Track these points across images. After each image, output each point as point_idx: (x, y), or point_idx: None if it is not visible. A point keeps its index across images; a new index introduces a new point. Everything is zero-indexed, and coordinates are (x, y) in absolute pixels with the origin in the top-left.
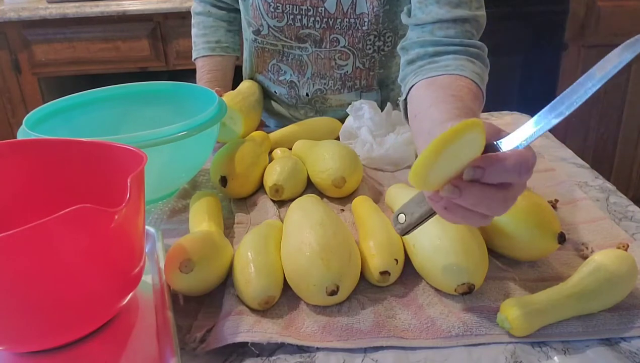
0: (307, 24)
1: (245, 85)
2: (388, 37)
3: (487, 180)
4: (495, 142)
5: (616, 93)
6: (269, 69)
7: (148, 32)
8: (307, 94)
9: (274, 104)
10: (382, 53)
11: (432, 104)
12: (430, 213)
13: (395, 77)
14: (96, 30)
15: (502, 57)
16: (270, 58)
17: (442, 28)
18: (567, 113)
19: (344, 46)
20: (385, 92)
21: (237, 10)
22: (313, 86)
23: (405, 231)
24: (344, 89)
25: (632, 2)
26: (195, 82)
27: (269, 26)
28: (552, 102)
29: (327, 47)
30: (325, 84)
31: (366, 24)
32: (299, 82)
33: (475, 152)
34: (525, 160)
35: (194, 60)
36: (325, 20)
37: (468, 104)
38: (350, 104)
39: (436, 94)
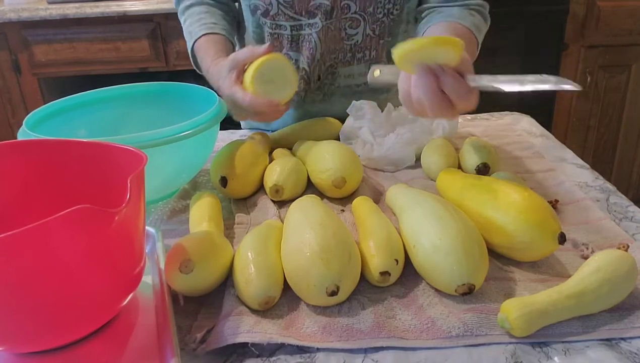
0: None
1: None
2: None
3: (444, 79)
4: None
5: (616, 93)
6: None
7: (148, 32)
8: (319, 77)
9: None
10: (392, 17)
11: (443, 31)
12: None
13: None
14: (96, 31)
15: (502, 57)
16: (280, 48)
17: None
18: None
19: (355, 12)
20: (391, 63)
21: (229, 5)
22: (324, 65)
23: (372, 84)
24: (353, 60)
25: (632, 2)
26: (194, 83)
27: (278, 3)
28: (512, 76)
29: (338, 15)
30: (335, 58)
31: None
32: (309, 67)
33: (448, 62)
34: (472, 96)
35: (192, 48)
36: None
37: (467, 47)
38: (360, 75)
39: (442, 28)
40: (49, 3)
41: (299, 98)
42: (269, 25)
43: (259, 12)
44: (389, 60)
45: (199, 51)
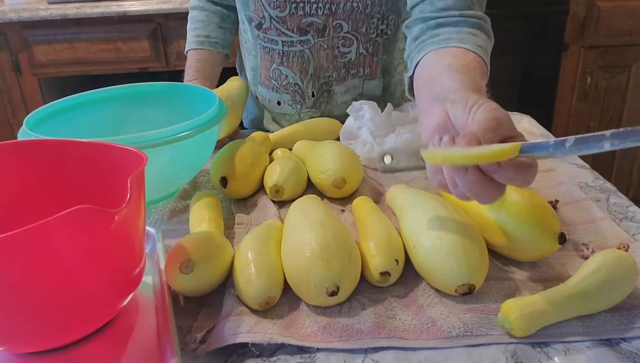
0: (310, 12)
1: (233, 83)
2: (391, 20)
3: (497, 177)
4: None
5: (616, 93)
6: (271, 75)
7: (148, 32)
8: (313, 94)
9: (277, 116)
10: (386, 37)
11: (443, 70)
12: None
13: (397, 64)
14: (96, 31)
15: (502, 57)
16: (270, 62)
17: None
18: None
19: (348, 32)
20: (387, 78)
21: (232, 8)
22: (318, 81)
23: (386, 171)
24: (348, 76)
25: (632, 2)
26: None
27: (270, 17)
28: (578, 136)
29: (331, 34)
30: (329, 76)
31: (369, 6)
32: (302, 82)
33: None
34: (534, 173)
35: (185, 53)
36: (327, 6)
37: (477, 78)
38: (354, 88)
39: (447, 61)
40: (49, 3)
41: (294, 112)
42: (261, 37)
43: (253, 23)
44: (384, 75)
45: (187, 60)
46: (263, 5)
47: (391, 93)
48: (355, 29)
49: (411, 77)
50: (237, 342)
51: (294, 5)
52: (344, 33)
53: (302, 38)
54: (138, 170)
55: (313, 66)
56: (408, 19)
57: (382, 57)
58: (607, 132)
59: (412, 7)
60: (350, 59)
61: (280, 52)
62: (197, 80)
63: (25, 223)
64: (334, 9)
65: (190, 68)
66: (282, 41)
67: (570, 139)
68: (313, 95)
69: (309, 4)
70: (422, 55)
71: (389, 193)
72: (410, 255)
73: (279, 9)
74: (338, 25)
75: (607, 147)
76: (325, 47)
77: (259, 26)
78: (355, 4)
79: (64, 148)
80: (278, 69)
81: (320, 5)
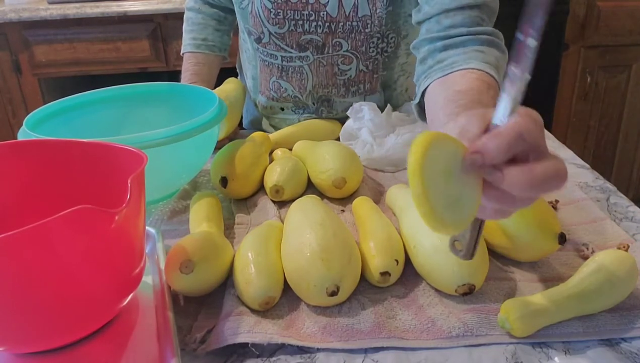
0: (309, 29)
1: (229, 85)
2: (391, 39)
3: (492, 161)
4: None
5: (616, 93)
6: (271, 87)
7: (148, 32)
8: (313, 103)
9: (277, 123)
10: (386, 54)
11: (441, 106)
12: (479, 227)
13: (397, 77)
14: (96, 31)
15: None
16: (270, 74)
17: (449, 16)
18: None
19: (347, 50)
20: (388, 92)
21: (229, 10)
22: (317, 94)
23: (470, 253)
24: (347, 93)
25: (632, 2)
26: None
27: (270, 33)
28: (511, 61)
29: (330, 52)
30: (328, 92)
31: (369, 26)
32: (301, 95)
33: (458, 159)
34: (525, 123)
35: (181, 54)
36: (327, 24)
37: (476, 97)
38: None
39: (445, 93)
40: (50, 3)
41: (295, 117)
42: (261, 51)
43: (252, 37)
44: (385, 90)
45: (183, 62)
46: (262, 21)
47: (393, 105)
48: (355, 47)
49: (418, 104)
50: (237, 342)
51: (292, 22)
52: (344, 51)
53: (302, 54)
54: (138, 170)
55: (312, 83)
56: (414, 37)
57: (382, 73)
58: (519, 35)
59: (418, 23)
60: (350, 76)
61: (280, 66)
62: (195, 83)
63: (25, 223)
64: (333, 27)
65: (188, 71)
66: (282, 56)
67: (510, 67)
68: (313, 104)
69: (308, 22)
70: (427, 84)
71: (389, 193)
72: (410, 255)
73: (277, 25)
74: (337, 43)
75: (532, 43)
76: (325, 63)
77: (258, 40)
78: (354, 24)
79: (64, 148)
80: (277, 82)
81: (319, 23)
